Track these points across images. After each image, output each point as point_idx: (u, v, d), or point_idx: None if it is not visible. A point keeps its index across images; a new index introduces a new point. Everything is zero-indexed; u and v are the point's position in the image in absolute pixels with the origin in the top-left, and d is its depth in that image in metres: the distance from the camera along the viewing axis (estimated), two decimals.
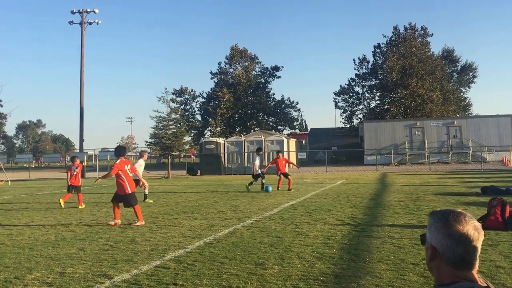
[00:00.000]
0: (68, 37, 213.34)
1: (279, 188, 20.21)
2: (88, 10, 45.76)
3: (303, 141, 65.75)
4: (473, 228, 1.80)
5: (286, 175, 20.37)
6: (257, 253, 7.73)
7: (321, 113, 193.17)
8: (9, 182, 31.67)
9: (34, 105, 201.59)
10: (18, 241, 9.47)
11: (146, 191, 16.91)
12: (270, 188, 19.61)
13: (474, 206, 12.87)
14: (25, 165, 74.41)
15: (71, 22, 46.05)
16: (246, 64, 67.51)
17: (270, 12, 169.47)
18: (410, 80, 57.14)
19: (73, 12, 46.04)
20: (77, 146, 48.73)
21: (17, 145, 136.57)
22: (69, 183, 16.20)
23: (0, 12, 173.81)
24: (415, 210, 12.50)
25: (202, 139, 45.10)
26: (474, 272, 1.79)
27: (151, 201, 16.71)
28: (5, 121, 78.86)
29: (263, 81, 68.63)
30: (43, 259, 7.75)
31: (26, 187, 27.24)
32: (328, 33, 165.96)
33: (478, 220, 7.37)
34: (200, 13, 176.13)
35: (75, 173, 16.15)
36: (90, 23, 45.95)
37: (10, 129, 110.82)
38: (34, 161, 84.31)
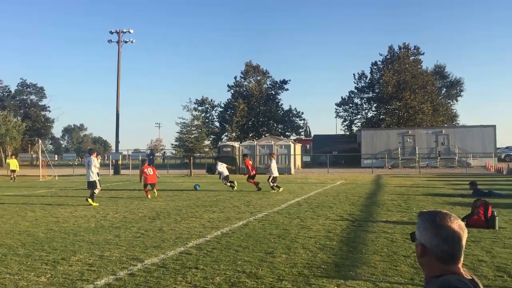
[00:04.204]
0: (107, 52, 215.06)
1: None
2: (124, 30, 46.10)
3: (308, 146, 65.42)
4: (458, 227, 1.81)
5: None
6: (267, 243, 7.77)
7: (324, 121, 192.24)
8: (56, 177, 31.99)
9: (77, 111, 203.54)
10: (64, 228, 9.60)
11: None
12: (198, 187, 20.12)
13: (459, 206, 12.77)
14: (69, 162, 75.08)
15: (109, 41, 46.42)
16: (259, 78, 67.59)
17: (279, 31, 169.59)
18: (404, 93, 56.72)
19: (111, 32, 46.43)
20: (113, 147, 49.00)
21: (63, 145, 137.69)
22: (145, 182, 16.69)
23: (51, 30, 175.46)
24: (406, 209, 12.44)
25: (219, 143, 45.19)
26: (460, 265, 1.82)
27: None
28: (53, 124, 79.47)
29: (273, 93, 68.62)
30: (85, 243, 7.86)
31: (71, 182, 27.50)
32: (331, 51, 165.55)
33: (462, 219, 7.33)
34: (218, 31, 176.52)
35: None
36: (126, 42, 46.29)
37: (57, 131, 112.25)
38: (77, 159, 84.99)
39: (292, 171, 38.15)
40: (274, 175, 18.92)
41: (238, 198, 15.87)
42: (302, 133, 73.94)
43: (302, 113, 69.21)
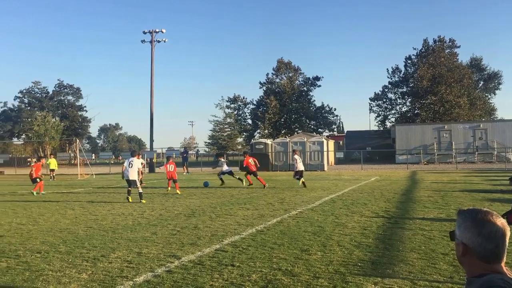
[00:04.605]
0: (140, 52, 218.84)
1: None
2: (157, 30, 46.77)
3: (341, 142, 64.93)
4: (501, 225, 1.77)
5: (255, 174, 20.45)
6: (302, 240, 7.75)
7: (357, 117, 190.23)
8: (94, 175, 32.80)
9: (113, 111, 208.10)
10: (103, 225, 9.84)
11: None
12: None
13: (499, 203, 12.42)
14: (106, 161, 76.82)
15: (143, 41, 47.19)
16: (291, 74, 67.43)
17: (311, 27, 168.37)
18: (439, 87, 55.53)
19: (144, 32, 47.20)
20: (148, 146, 49.88)
21: (99, 144, 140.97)
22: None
23: (86, 32, 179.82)
24: (444, 205, 12.18)
25: (252, 140, 45.28)
26: (503, 264, 1.78)
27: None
28: (90, 124, 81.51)
29: (305, 89, 68.33)
30: (123, 240, 8.03)
31: (107, 180, 28.14)
32: (364, 46, 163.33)
33: (503, 216, 7.12)
34: (250, 28, 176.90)
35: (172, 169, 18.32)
36: (159, 41, 46.95)
37: (93, 131, 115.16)
38: (113, 158, 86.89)
39: (325, 167, 37.89)
40: (300, 169, 19.57)
41: (271, 196, 15.89)
42: (335, 129, 73.40)
43: (335, 109, 68.82)
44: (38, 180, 18.76)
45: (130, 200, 14.44)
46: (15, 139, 74.64)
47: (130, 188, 14.83)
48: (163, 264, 6.26)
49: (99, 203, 14.24)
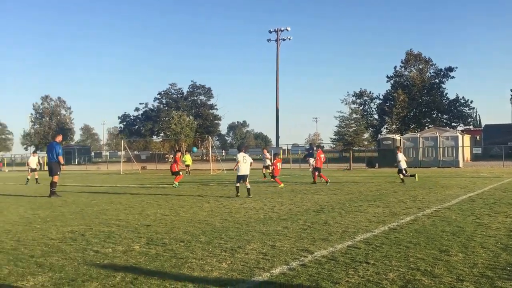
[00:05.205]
0: (266, 51, 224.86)
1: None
2: (282, 28, 47.64)
3: (478, 137, 60.08)
4: None
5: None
6: (439, 240, 7.32)
7: (496, 109, 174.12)
8: (225, 171, 34.52)
9: (240, 109, 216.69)
10: (236, 218, 10.31)
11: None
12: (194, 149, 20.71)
13: None
14: (234, 157, 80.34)
15: (268, 40, 48.44)
16: (421, 66, 64.02)
17: (444, 16, 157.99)
18: None
19: (270, 32, 48.39)
20: (273, 142, 51.09)
21: (228, 141, 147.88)
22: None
23: (216, 36, 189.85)
24: None
25: (379, 135, 43.91)
26: None
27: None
28: (220, 122, 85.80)
29: (437, 81, 64.31)
30: (257, 233, 8.33)
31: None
32: (503, 32, 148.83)
33: None
34: (377, 21, 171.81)
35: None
36: (284, 39, 47.80)
37: (223, 128, 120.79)
38: None
39: (460, 164, 35.41)
40: (403, 167, 19.89)
41: (402, 193, 15.28)
42: (471, 123, 68.06)
43: (471, 102, 63.59)
44: (180, 173, 20.77)
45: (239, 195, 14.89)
46: (154, 137, 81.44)
47: (238, 184, 15.15)
48: (296, 258, 6.37)
49: (231, 197, 14.92)
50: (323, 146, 78.02)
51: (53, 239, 8.13)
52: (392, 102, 61.70)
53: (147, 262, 6.33)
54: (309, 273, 5.54)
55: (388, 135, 44.22)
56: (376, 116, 66.37)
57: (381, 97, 65.87)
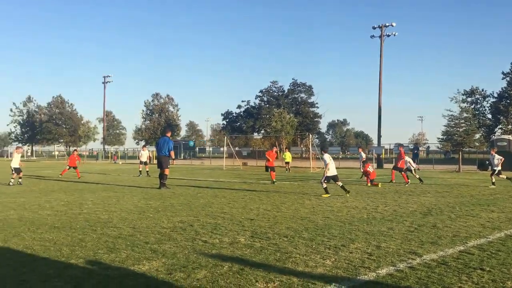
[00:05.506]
0: (369, 47, 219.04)
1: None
2: (387, 24, 46.06)
3: None
4: None
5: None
6: None
7: None
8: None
9: (341, 107, 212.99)
10: (339, 217, 10.22)
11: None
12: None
13: None
14: (334, 156, 79.42)
15: (372, 36, 47.11)
16: None
17: None
18: None
19: (374, 28, 47.03)
20: (375, 141, 49.72)
21: (327, 140, 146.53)
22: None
23: (318, 33, 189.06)
24: None
25: (492, 136, 40.79)
26: None
27: None
28: (320, 120, 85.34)
29: None
30: (360, 233, 8.19)
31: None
32: None
33: None
34: (488, 20, 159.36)
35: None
36: (388, 35, 46.20)
37: (323, 126, 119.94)
38: (341, 153, 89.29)
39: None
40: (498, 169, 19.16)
41: None
42: None
43: None
44: (274, 169, 21.37)
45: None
46: (255, 134, 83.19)
47: (325, 185, 14.99)
48: (403, 260, 6.16)
49: (333, 196, 14.78)
50: (428, 147, 74.31)
51: (165, 228, 8.69)
52: (508, 101, 56.98)
53: (252, 254, 6.52)
54: (418, 276, 5.34)
55: (503, 136, 40.88)
56: (489, 116, 61.82)
57: (495, 95, 61.17)
